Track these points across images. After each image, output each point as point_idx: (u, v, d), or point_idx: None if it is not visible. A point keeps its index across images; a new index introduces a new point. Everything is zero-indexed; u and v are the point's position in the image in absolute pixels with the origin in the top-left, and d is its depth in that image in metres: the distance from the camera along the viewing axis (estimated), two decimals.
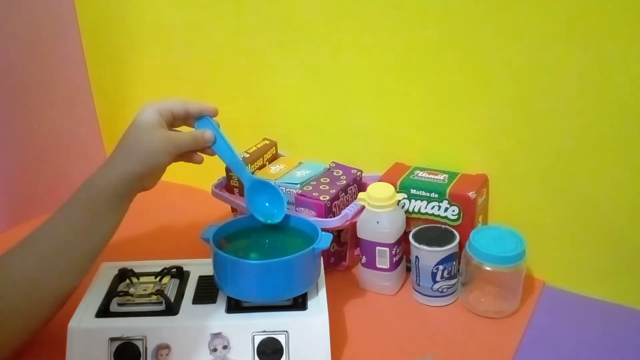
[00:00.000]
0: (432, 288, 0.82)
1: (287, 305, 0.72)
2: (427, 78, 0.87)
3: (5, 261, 0.71)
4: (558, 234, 0.84)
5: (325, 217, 0.84)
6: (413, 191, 0.86)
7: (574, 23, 0.73)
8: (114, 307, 0.72)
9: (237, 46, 1.04)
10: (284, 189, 0.88)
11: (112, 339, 0.68)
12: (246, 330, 0.69)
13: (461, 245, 0.82)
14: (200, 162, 0.80)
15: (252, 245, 0.77)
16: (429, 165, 0.90)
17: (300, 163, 0.96)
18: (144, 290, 0.74)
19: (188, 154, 0.79)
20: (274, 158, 0.98)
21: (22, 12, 1.04)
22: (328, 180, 0.89)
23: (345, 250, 0.91)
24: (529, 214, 0.85)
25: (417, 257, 0.82)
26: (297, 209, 0.87)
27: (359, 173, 0.92)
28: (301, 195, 0.86)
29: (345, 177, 0.90)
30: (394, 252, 0.83)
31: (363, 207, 0.84)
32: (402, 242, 0.85)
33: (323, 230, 0.75)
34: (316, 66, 0.97)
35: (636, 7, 0.69)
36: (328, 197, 0.85)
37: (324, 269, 0.77)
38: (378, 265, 0.84)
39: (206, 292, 0.75)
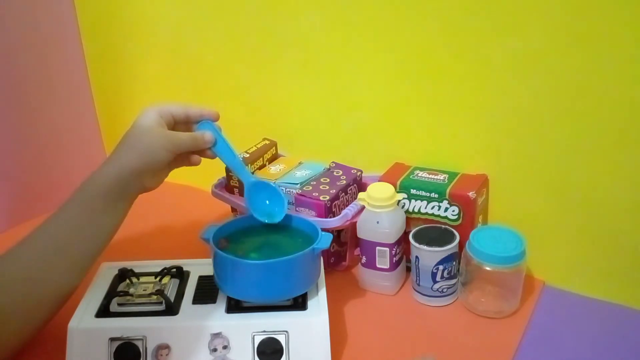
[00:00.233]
0: (432, 288, 0.82)
1: (287, 305, 0.72)
2: (427, 78, 0.87)
3: (5, 260, 0.71)
4: (558, 234, 0.84)
5: (325, 217, 0.84)
6: (413, 191, 0.86)
7: (574, 23, 0.73)
8: (114, 307, 0.72)
9: (237, 46, 1.04)
10: (284, 189, 0.88)
11: (112, 339, 0.68)
12: (246, 330, 0.69)
13: (461, 245, 0.82)
14: (197, 163, 0.80)
15: (252, 245, 0.76)
16: (429, 165, 0.90)
17: (300, 163, 0.96)
18: (144, 290, 0.74)
19: (187, 157, 0.79)
20: (274, 158, 0.98)
21: (22, 12, 1.04)
22: (328, 180, 0.89)
23: (345, 250, 0.91)
24: (529, 214, 0.85)
25: (417, 257, 0.82)
26: (297, 209, 0.87)
27: (359, 173, 0.92)
28: (301, 195, 0.86)
29: (345, 177, 0.90)
30: (394, 252, 0.83)
31: (363, 207, 0.84)
32: (402, 242, 0.85)
33: (323, 230, 0.75)
34: (316, 66, 0.97)
35: (636, 7, 0.69)
36: (328, 197, 0.85)
37: (324, 269, 0.77)
38: (378, 265, 0.84)
39: (206, 292, 0.75)
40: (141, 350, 0.69)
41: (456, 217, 0.84)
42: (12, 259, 0.71)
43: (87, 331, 0.69)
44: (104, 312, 0.71)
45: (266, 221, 0.78)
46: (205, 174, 0.90)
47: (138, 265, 0.79)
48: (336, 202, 0.86)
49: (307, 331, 0.69)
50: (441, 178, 0.87)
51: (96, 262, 0.76)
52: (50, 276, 0.71)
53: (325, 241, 0.73)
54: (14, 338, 0.71)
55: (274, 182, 0.87)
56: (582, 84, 0.75)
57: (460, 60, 0.83)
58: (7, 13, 1.02)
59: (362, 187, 0.91)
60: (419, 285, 0.83)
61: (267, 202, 0.79)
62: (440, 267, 0.81)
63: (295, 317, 0.70)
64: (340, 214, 0.85)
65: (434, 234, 0.83)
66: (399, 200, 0.85)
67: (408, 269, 0.87)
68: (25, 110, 1.07)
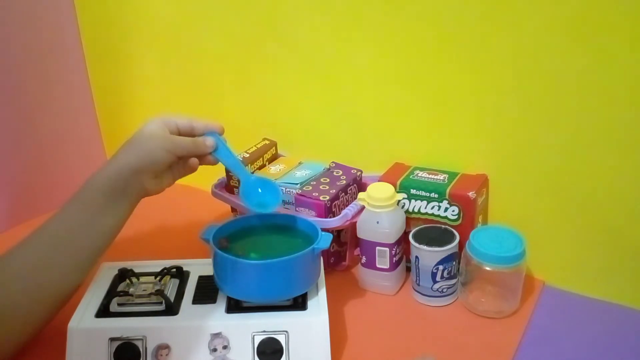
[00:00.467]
0: (432, 288, 0.82)
1: (287, 305, 0.72)
2: (427, 78, 0.87)
3: (5, 260, 0.71)
4: (558, 234, 0.84)
5: (325, 217, 0.84)
6: (413, 191, 0.86)
7: (574, 23, 0.73)
8: (113, 307, 0.72)
9: (237, 46, 1.04)
10: (284, 189, 0.88)
11: (112, 339, 0.68)
12: (246, 330, 0.69)
13: (461, 245, 0.82)
14: (194, 165, 0.79)
15: (252, 245, 0.76)
16: (429, 165, 0.90)
17: (300, 163, 0.96)
18: (143, 290, 0.74)
19: (186, 162, 0.79)
20: (274, 158, 0.98)
21: (22, 12, 1.04)
22: (328, 180, 0.89)
23: (345, 250, 0.91)
24: (529, 214, 0.85)
25: (417, 257, 0.82)
26: (297, 209, 0.87)
27: (359, 173, 0.92)
28: (301, 195, 0.86)
29: (345, 177, 0.90)
30: (393, 252, 0.83)
31: (363, 207, 0.84)
32: (402, 242, 0.85)
33: (323, 230, 0.75)
34: (316, 66, 0.97)
35: (636, 6, 0.69)
36: (328, 197, 0.85)
37: (324, 269, 0.77)
38: (378, 265, 0.84)
39: (206, 292, 0.75)
40: (141, 350, 0.69)
41: (456, 217, 0.84)
42: (12, 259, 0.71)
43: (87, 331, 0.69)
44: (103, 312, 0.71)
45: (258, 211, 0.77)
46: (205, 174, 0.89)
47: (138, 265, 0.79)
48: (336, 202, 0.86)
49: (307, 331, 0.69)
50: (441, 178, 0.87)
51: (97, 262, 0.76)
52: (50, 276, 0.71)
53: (325, 241, 0.73)
54: (14, 337, 0.71)
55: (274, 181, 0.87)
56: (582, 84, 0.75)
57: (460, 60, 0.83)
58: (7, 14, 1.02)
59: (362, 187, 0.91)
60: (418, 285, 0.83)
61: (260, 189, 0.79)
62: (440, 267, 0.81)
63: (295, 317, 0.70)
64: (340, 214, 0.85)
65: (434, 234, 0.83)
66: (399, 200, 0.85)
67: (408, 269, 0.87)
68: (25, 110, 1.08)
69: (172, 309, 0.71)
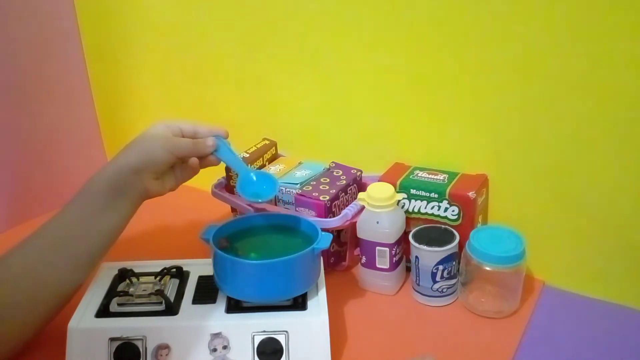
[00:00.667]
0: (432, 288, 0.82)
1: (287, 305, 0.72)
2: (427, 78, 0.87)
3: (5, 260, 0.71)
4: (558, 234, 0.84)
5: (325, 217, 0.84)
6: (413, 191, 0.86)
7: (574, 24, 0.73)
8: (113, 307, 0.72)
9: (237, 46, 1.04)
10: (283, 189, 0.88)
11: (112, 339, 0.68)
12: (246, 330, 0.69)
13: (461, 245, 0.82)
14: (195, 165, 0.78)
15: (252, 245, 0.76)
16: (429, 165, 0.90)
17: (300, 163, 0.96)
18: (143, 290, 0.74)
19: (187, 165, 0.79)
20: (274, 158, 0.98)
21: (22, 11, 1.04)
22: (328, 180, 0.89)
23: (345, 250, 0.91)
24: (528, 214, 0.85)
25: (417, 257, 0.82)
26: (297, 209, 0.87)
27: (358, 173, 0.92)
28: (301, 195, 0.86)
29: (345, 177, 0.90)
30: (393, 252, 0.83)
31: (363, 207, 0.84)
32: (402, 242, 0.85)
33: (323, 230, 0.75)
34: (316, 66, 0.97)
35: (636, 7, 0.69)
36: (328, 197, 0.85)
37: (324, 269, 0.77)
38: (378, 265, 0.84)
39: (206, 292, 0.75)
40: (141, 350, 0.69)
41: (456, 217, 0.84)
42: (12, 259, 0.71)
43: (87, 331, 0.69)
44: (103, 312, 0.71)
45: (253, 200, 0.78)
46: (205, 174, 0.89)
47: (138, 265, 0.79)
48: (336, 202, 0.86)
49: (307, 331, 0.69)
50: (441, 178, 0.87)
51: (98, 263, 0.76)
52: (50, 276, 0.71)
53: (325, 241, 0.73)
54: (14, 337, 0.71)
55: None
56: (582, 84, 0.75)
57: (460, 60, 0.83)
58: (7, 13, 1.02)
59: (362, 187, 0.91)
60: (418, 285, 0.83)
61: (255, 178, 0.79)
62: (440, 267, 0.81)
63: (295, 317, 0.70)
64: (340, 214, 0.85)
65: (434, 234, 0.83)
66: (399, 200, 0.85)
67: (408, 269, 0.87)
68: (25, 110, 1.08)
69: (172, 309, 0.71)
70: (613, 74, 0.73)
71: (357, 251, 0.88)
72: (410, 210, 0.87)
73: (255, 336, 0.69)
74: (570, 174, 0.80)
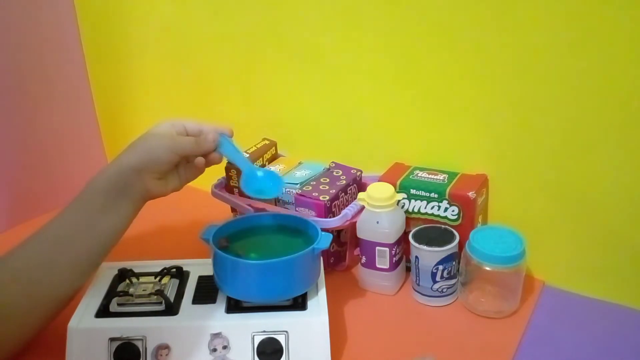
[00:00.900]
0: (432, 288, 0.82)
1: (287, 305, 0.72)
2: (427, 78, 0.87)
3: (5, 260, 0.70)
4: (558, 234, 0.84)
5: (325, 217, 0.84)
6: (413, 191, 0.86)
7: (574, 24, 0.73)
8: (113, 307, 0.72)
9: (237, 46, 1.04)
10: (284, 189, 0.88)
11: (112, 339, 0.68)
12: (246, 330, 0.69)
13: (461, 245, 0.82)
14: (201, 164, 0.78)
15: (252, 245, 0.76)
16: (429, 165, 0.90)
17: (300, 163, 0.96)
18: (143, 290, 0.74)
19: (193, 163, 0.78)
20: (273, 158, 0.98)
21: (22, 12, 1.04)
22: (328, 180, 0.89)
23: (345, 250, 0.91)
24: (529, 214, 0.85)
25: (417, 257, 0.82)
26: (297, 209, 0.86)
27: (358, 173, 0.92)
28: (301, 195, 0.86)
29: (345, 177, 0.90)
30: (393, 252, 0.83)
31: (363, 207, 0.84)
32: (402, 242, 0.85)
33: (323, 230, 0.75)
34: (316, 66, 0.97)
35: (636, 8, 0.69)
36: (328, 197, 0.85)
37: (324, 269, 0.77)
38: (378, 265, 0.84)
39: (206, 292, 0.75)
40: (141, 350, 0.69)
41: (456, 217, 0.84)
42: (12, 259, 0.71)
43: (87, 331, 0.69)
44: (103, 312, 0.71)
45: (257, 197, 0.77)
46: (205, 174, 0.89)
47: (138, 265, 0.79)
48: (336, 202, 0.86)
49: (307, 331, 0.69)
50: (441, 178, 0.87)
51: (99, 264, 0.76)
52: (50, 277, 0.71)
53: (325, 241, 0.73)
54: (13, 338, 0.71)
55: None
56: (581, 84, 0.75)
57: (460, 60, 0.83)
58: (7, 13, 1.02)
59: (361, 187, 0.91)
60: (418, 285, 0.83)
61: (259, 173, 0.78)
62: (440, 267, 0.81)
63: (295, 317, 0.70)
64: (340, 214, 0.85)
65: (434, 234, 0.83)
66: (399, 200, 0.85)
67: (408, 269, 0.87)
68: (25, 110, 1.07)
69: (172, 309, 0.71)
70: (613, 74, 0.73)
71: (357, 251, 0.88)
72: (410, 210, 0.87)
73: (255, 336, 0.69)
74: (570, 174, 0.80)
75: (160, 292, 0.72)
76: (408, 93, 0.90)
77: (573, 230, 0.83)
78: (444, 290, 0.83)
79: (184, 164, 0.78)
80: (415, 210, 0.87)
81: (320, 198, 0.84)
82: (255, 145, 0.97)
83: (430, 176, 0.87)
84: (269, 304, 0.72)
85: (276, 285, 0.71)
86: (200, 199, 1.02)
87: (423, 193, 0.85)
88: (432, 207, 0.85)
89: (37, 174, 1.11)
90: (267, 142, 0.99)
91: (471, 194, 0.82)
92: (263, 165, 0.95)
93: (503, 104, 0.82)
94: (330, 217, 0.84)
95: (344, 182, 0.89)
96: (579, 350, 0.75)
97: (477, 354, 0.74)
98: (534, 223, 0.84)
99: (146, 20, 1.13)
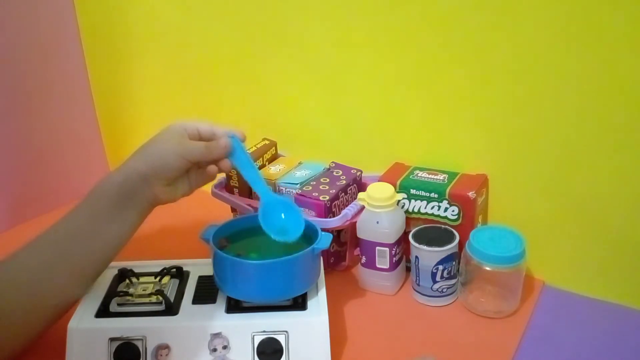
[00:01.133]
0: (431, 288, 0.82)
1: (287, 305, 0.72)
2: (427, 78, 0.87)
3: (6, 264, 0.70)
4: (558, 234, 0.84)
5: (325, 217, 0.84)
6: (413, 191, 0.86)
7: (573, 24, 0.73)
8: (113, 307, 0.72)
9: (237, 46, 1.04)
10: (284, 189, 0.88)
11: (112, 339, 0.68)
12: (246, 330, 0.69)
13: (461, 245, 0.82)
14: (213, 173, 0.76)
15: (252, 245, 0.76)
16: (429, 165, 0.90)
17: (300, 163, 0.96)
18: (143, 290, 0.74)
19: (203, 168, 0.76)
20: (274, 158, 0.98)
21: (22, 12, 1.04)
22: (328, 180, 0.89)
23: (345, 250, 0.91)
24: (529, 214, 0.85)
25: (417, 257, 0.82)
26: None
27: (358, 173, 0.92)
28: (301, 195, 0.86)
29: (345, 177, 0.90)
30: (393, 252, 0.83)
31: (363, 207, 0.84)
32: (402, 242, 0.85)
33: (323, 230, 0.75)
34: (316, 66, 0.97)
35: (636, 8, 0.69)
36: (328, 197, 0.85)
37: (324, 269, 0.77)
38: (378, 265, 0.84)
39: (206, 292, 0.75)
40: (141, 350, 0.69)
41: (456, 217, 0.84)
42: (14, 263, 0.70)
43: (87, 331, 0.69)
44: (103, 312, 0.71)
45: (280, 239, 0.72)
46: None
47: (138, 265, 0.79)
48: (336, 202, 0.86)
49: (307, 331, 0.69)
50: (441, 178, 0.87)
51: (102, 272, 0.75)
52: (51, 282, 0.70)
53: (325, 241, 0.73)
54: (12, 342, 0.70)
55: (277, 184, 0.87)
56: (581, 85, 0.75)
57: (460, 60, 0.83)
58: (7, 13, 1.02)
59: (361, 187, 0.91)
60: (418, 285, 0.83)
61: (283, 215, 0.75)
62: (440, 267, 0.81)
63: (295, 317, 0.70)
64: (340, 214, 0.85)
65: (434, 234, 0.83)
66: (399, 200, 0.85)
67: (408, 269, 0.87)
68: (25, 110, 1.07)
69: (172, 309, 0.71)
70: (613, 75, 0.73)
71: (357, 251, 0.88)
72: (410, 210, 0.87)
73: (255, 336, 0.69)
74: (570, 174, 0.80)
75: (160, 292, 0.72)
76: (408, 93, 0.90)
77: (573, 230, 0.83)
78: (444, 290, 0.83)
79: (195, 169, 0.76)
80: (415, 210, 0.87)
81: (320, 198, 0.84)
82: (255, 145, 0.97)
83: (430, 176, 0.87)
84: (269, 304, 0.72)
85: (276, 285, 0.70)
86: (200, 199, 1.02)
87: (423, 193, 0.85)
88: (432, 207, 0.85)
89: (37, 174, 1.11)
90: (267, 142, 0.99)
91: (471, 194, 0.82)
92: (263, 166, 0.95)
93: (503, 104, 0.82)
94: (330, 217, 0.84)
95: (344, 182, 0.89)
96: (579, 350, 0.75)
97: (477, 354, 0.74)
98: (534, 223, 0.84)
99: (146, 20, 1.13)
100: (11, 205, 1.08)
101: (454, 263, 0.82)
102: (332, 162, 0.94)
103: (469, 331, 0.79)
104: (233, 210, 0.96)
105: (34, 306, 0.70)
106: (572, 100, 0.77)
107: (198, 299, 0.74)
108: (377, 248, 0.83)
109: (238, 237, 0.77)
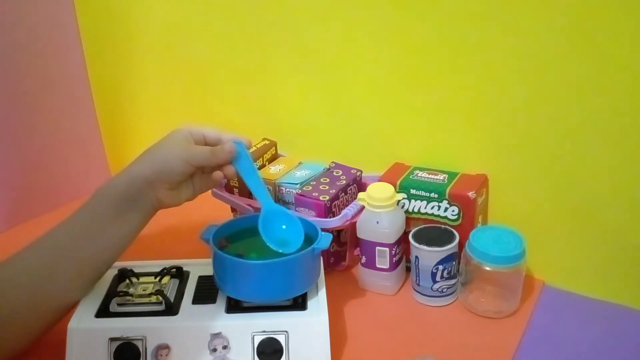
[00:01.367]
0: (431, 288, 0.82)
1: (287, 305, 0.72)
2: (427, 78, 0.87)
3: (8, 265, 0.69)
4: (558, 234, 0.84)
5: (325, 217, 0.84)
6: (413, 191, 0.86)
7: (574, 25, 0.73)
8: (113, 307, 0.72)
9: (236, 46, 1.04)
10: (284, 189, 0.88)
11: (112, 339, 0.68)
12: (246, 330, 0.69)
13: (461, 245, 0.82)
14: (219, 179, 0.75)
15: (252, 245, 0.76)
16: (429, 165, 0.90)
17: (300, 163, 0.96)
18: (143, 290, 0.74)
19: (208, 173, 0.76)
20: (274, 158, 0.98)
21: (22, 12, 1.04)
22: (328, 180, 0.89)
23: (345, 250, 0.91)
24: (529, 214, 0.85)
25: (417, 257, 0.82)
26: (297, 209, 0.86)
27: (358, 173, 0.92)
28: (301, 195, 0.86)
29: (345, 177, 0.90)
30: (393, 252, 0.83)
31: (363, 207, 0.84)
32: (402, 242, 0.85)
33: (323, 230, 0.75)
34: (316, 66, 0.97)
35: (636, 9, 0.69)
36: (328, 197, 0.85)
37: (324, 269, 0.77)
38: (378, 265, 0.84)
39: (206, 292, 0.75)
40: (141, 350, 0.69)
41: (456, 217, 0.84)
42: (14, 264, 0.70)
43: (87, 331, 0.69)
44: (103, 312, 0.71)
45: (280, 250, 0.71)
46: None
47: (138, 265, 0.79)
48: (336, 202, 0.86)
49: (307, 331, 0.69)
50: (441, 178, 0.87)
51: (102, 275, 0.75)
52: (52, 284, 0.70)
53: (325, 241, 0.73)
54: (12, 343, 0.70)
55: (277, 184, 0.87)
56: (582, 85, 0.75)
57: (460, 59, 0.83)
58: (7, 13, 1.01)
59: (361, 187, 0.91)
60: (418, 285, 0.83)
61: (284, 226, 0.75)
62: (440, 267, 0.81)
63: (295, 317, 0.70)
64: (340, 214, 0.85)
65: (434, 234, 0.83)
66: (399, 200, 0.85)
67: (408, 269, 0.87)
68: (25, 110, 1.07)
69: (172, 309, 0.71)
70: (613, 75, 0.73)
71: (357, 251, 0.88)
72: (410, 210, 0.87)
73: (255, 336, 0.69)
74: (570, 174, 0.80)
75: (160, 292, 0.72)
76: (408, 93, 0.90)
77: (573, 230, 0.83)
78: (444, 290, 0.83)
79: (199, 174, 0.76)
80: (415, 210, 0.87)
81: (320, 198, 0.84)
82: (255, 145, 0.97)
83: (430, 176, 0.87)
84: (269, 304, 0.72)
85: (276, 285, 0.70)
86: (201, 199, 1.02)
87: (423, 193, 0.85)
88: (432, 207, 0.85)
89: (37, 174, 1.11)
90: (267, 142, 0.99)
91: (471, 194, 0.82)
92: (263, 166, 0.95)
93: (503, 104, 0.82)
94: (330, 217, 0.84)
95: (344, 182, 0.89)
96: (579, 350, 0.75)
97: (477, 354, 0.74)
98: (534, 223, 0.84)
99: (146, 20, 1.13)
100: (11, 205, 1.08)
101: (454, 263, 0.82)
102: (332, 162, 0.94)
103: (469, 331, 0.79)
104: (233, 210, 0.96)
105: (34, 307, 0.70)
106: (572, 101, 0.77)
107: (198, 299, 0.74)
108: (377, 248, 0.83)
109: (238, 237, 0.77)
